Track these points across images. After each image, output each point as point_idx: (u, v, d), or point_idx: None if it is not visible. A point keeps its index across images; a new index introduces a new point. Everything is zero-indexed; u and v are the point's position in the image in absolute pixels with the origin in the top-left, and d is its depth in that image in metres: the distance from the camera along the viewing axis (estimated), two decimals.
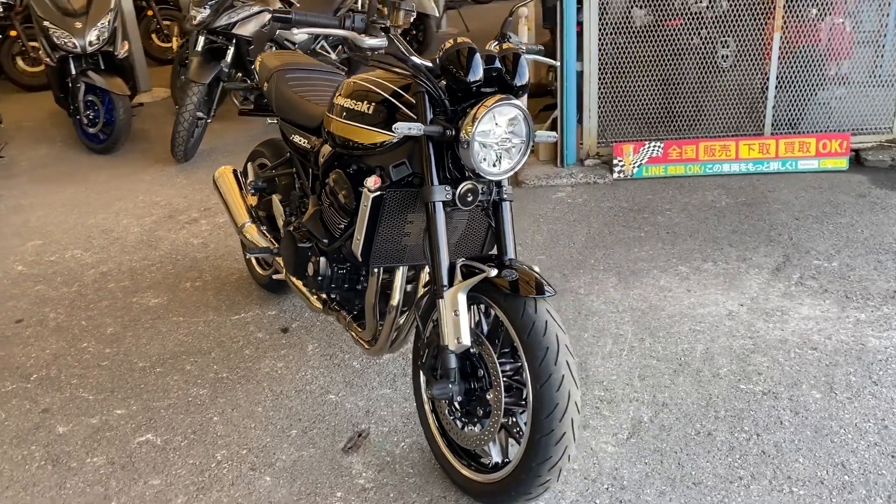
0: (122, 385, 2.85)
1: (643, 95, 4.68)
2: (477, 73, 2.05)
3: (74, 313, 3.44)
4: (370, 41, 2.06)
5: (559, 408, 1.90)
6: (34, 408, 2.75)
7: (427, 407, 2.34)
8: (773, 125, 4.67)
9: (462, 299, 2.00)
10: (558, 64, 2.58)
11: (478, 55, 2.06)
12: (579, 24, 4.53)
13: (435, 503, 2.19)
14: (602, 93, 4.67)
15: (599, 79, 4.63)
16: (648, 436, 2.41)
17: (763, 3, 4.48)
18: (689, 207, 4.19)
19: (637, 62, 4.63)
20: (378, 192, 2.19)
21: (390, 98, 2.23)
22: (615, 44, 4.59)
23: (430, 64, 2.11)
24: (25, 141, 6.36)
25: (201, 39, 5.50)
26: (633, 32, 4.58)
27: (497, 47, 2.19)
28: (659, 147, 4.58)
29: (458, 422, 2.19)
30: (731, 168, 4.59)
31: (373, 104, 2.30)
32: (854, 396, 2.54)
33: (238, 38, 5.48)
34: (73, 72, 5.74)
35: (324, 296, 2.78)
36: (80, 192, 5.11)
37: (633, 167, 4.61)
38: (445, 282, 2.08)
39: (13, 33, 8.26)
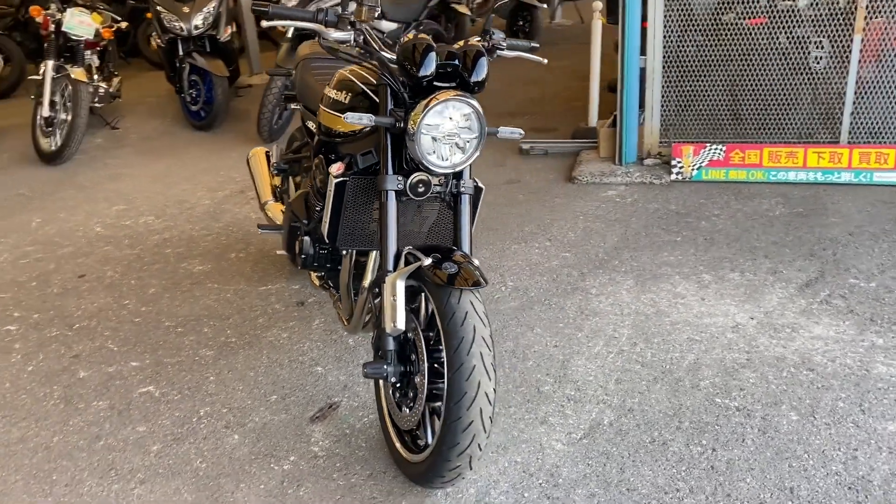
0: (144, 340, 3.14)
1: (709, 95, 4.51)
2: (428, 68, 2.11)
3: (128, 273, 3.79)
4: (336, 34, 2.18)
5: (468, 396, 1.95)
6: (67, 353, 3.09)
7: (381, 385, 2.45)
8: (850, 133, 4.37)
9: (400, 286, 2.09)
10: (545, 62, 2.56)
11: (433, 52, 2.13)
12: (646, 19, 4.43)
13: (375, 476, 2.30)
14: (666, 90, 4.55)
15: (663, 76, 4.51)
16: (602, 438, 2.40)
17: (849, 4, 4.20)
18: (738, 214, 4.02)
19: (705, 59, 4.46)
20: (341, 178, 2.31)
21: (366, 89, 2.34)
22: (682, 40, 4.45)
23: (394, 57, 2.21)
24: (141, 115, 6.96)
25: (291, 29, 5.81)
26: (704, 28, 4.42)
27: (462, 43, 2.25)
28: (721, 150, 4.41)
29: (395, 402, 2.29)
30: (797, 176, 4.34)
31: (350, 94, 2.42)
32: (834, 423, 2.40)
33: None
34: (180, 52, 6.23)
35: (321, 273, 2.95)
36: (173, 165, 5.56)
37: (693, 169, 4.46)
38: (390, 267, 2.18)
39: (149, 15, 9.02)
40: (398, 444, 2.31)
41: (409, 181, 2.17)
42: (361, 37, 2.22)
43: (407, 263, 2.15)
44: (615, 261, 3.60)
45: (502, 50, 2.42)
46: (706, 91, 4.51)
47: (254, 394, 2.74)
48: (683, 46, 4.46)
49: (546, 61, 2.54)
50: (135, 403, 2.73)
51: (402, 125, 2.13)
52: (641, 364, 2.78)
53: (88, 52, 6.09)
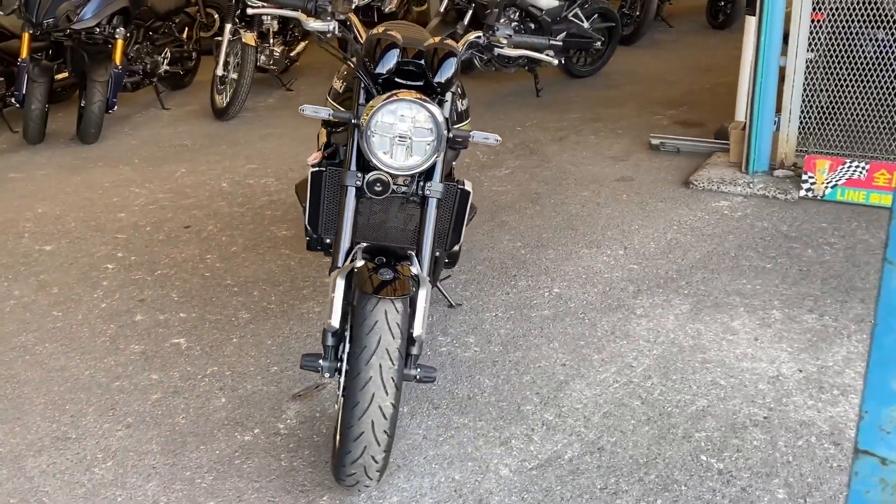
0: (202, 294, 3.41)
1: (858, 102, 3.88)
2: (385, 65, 2.06)
3: (225, 229, 4.11)
4: (313, 24, 2.18)
5: (360, 407, 1.91)
6: (137, 296, 3.44)
7: None
8: None
9: (339, 283, 2.08)
10: (555, 62, 2.36)
11: (395, 49, 2.06)
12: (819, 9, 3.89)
13: (316, 465, 2.34)
14: (807, 95, 3.98)
15: (806, 78, 3.95)
16: (553, 474, 2.24)
17: None
18: (857, 247, 3.46)
19: (860, 62, 3.84)
20: (316, 168, 2.32)
21: (352, 81, 2.33)
22: (834, 37, 3.85)
23: None
24: (319, 79, 7.39)
25: (445, 0, 5.84)
26: (867, 25, 3.80)
27: (435, 40, 2.14)
28: (863, 168, 3.79)
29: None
30: None
31: (345, 85, 2.41)
32: None
33: (476, 1, 5.71)
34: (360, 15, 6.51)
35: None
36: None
37: (826, 187, 3.89)
38: (339, 262, 2.17)
39: None
40: (336, 437, 2.33)
41: (366, 178, 2.14)
42: (341, 28, 2.20)
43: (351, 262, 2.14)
44: (682, 281, 3.27)
45: (501, 48, 2.28)
46: (856, 97, 3.89)
47: (260, 362, 2.88)
48: (835, 44, 3.87)
49: (556, 62, 2.35)
50: (162, 352, 2.99)
51: (356, 121, 2.10)
52: (642, 401, 2.53)
53: (268, 16, 6.57)
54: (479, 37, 2.27)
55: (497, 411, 2.52)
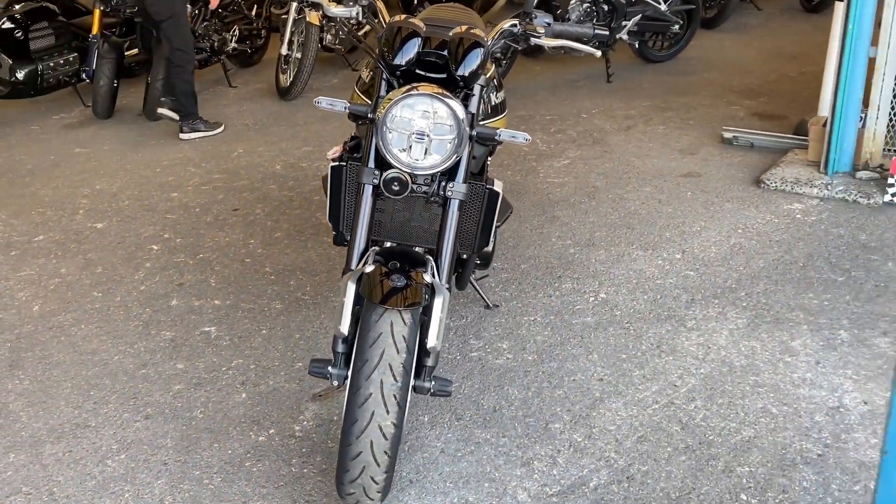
0: (239, 281, 3.36)
1: None
2: (404, 56, 1.90)
3: (272, 214, 4.06)
4: (335, 9, 2.03)
5: (358, 425, 1.79)
6: (176, 279, 3.41)
7: None
8: None
9: (350, 288, 1.96)
10: (598, 54, 2.14)
11: (415, 38, 1.90)
12: None
13: (326, 473, 2.24)
14: None
15: None
16: (571, 503, 2.06)
17: None
18: None
19: None
20: (336, 163, 2.19)
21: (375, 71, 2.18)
22: None
23: None
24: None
25: None
26: None
27: (462, 29, 1.97)
28: None
29: None
30: None
31: (370, 74, 2.27)
32: None
33: None
34: (415, 2, 6.38)
35: None
36: None
37: None
38: (353, 264, 2.05)
39: None
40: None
41: (383, 176, 2.00)
42: (366, 14, 2.06)
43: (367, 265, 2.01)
44: (742, 292, 3.02)
45: (538, 38, 2.10)
46: None
47: (285, 357, 2.80)
48: None
49: (599, 53, 2.14)
50: (191, 341, 2.94)
51: (371, 115, 1.96)
52: (682, 426, 2.32)
53: None
54: (514, 25, 2.09)
55: (523, 428, 2.36)
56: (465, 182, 2.04)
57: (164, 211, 4.13)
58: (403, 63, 1.94)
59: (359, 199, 2.05)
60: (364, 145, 2.06)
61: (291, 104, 6.08)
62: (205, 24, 6.37)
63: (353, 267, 2.04)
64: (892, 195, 3.60)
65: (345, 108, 1.98)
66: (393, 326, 1.82)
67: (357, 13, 2.05)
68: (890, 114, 3.68)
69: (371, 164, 2.03)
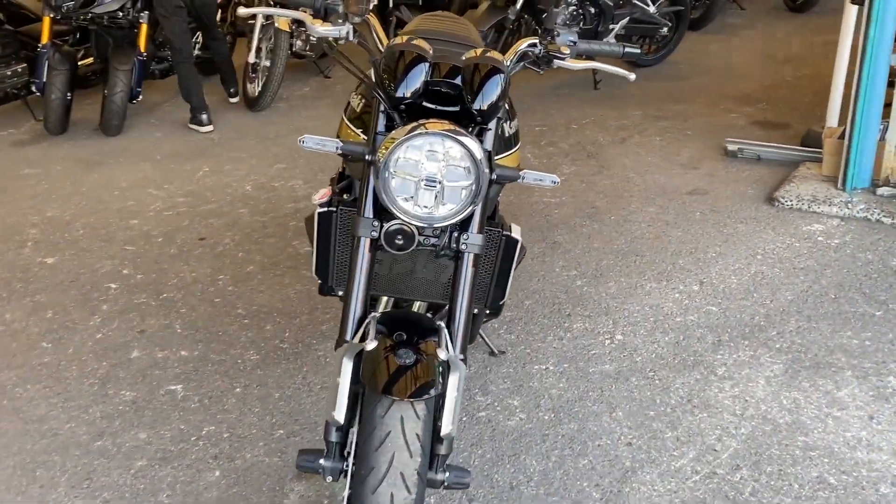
0: (208, 327, 2.98)
1: None
2: (410, 87, 1.56)
3: (243, 243, 3.68)
4: (321, 28, 1.69)
5: None
6: (138, 326, 3.03)
7: None
8: None
9: (346, 367, 1.61)
10: (632, 77, 1.83)
11: (421, 65, 1.57)
12: None
13: None
14: None
15: None
16: None
17: None
18: None
19: None
20: (325, 209, 1.85)
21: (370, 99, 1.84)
22: None
23: None
24: (359, 65, 6.91)
25: None
26: None
27: (477, 53, 1.64)
28: None
29: None
30: None
31: (362, 102, 1.93)
32: None
33: None
34: (390, 5, 6.03)
35: None
36: None
37: None
38: (348, 335, 1.70)
39: None
40: None
41: (384, 229, 1.67)
42: (357, 34, 1.71)
43: (362, 339, 1.66)
44: (772, 330, 2.73)
45: (562, 60, 1.77)
46: None
47: (264, 422, 2.44)
48: None
49: (633, 77, 1.83)
50: (155, 402, 2.57)
51: (370, 157, 1.62)
52: (731, 502, 2.02)
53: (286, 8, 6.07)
54: (533, 45, 1.77)
55: None
56: (480, 232, 1.72)
57: (123, 241, 3.73)
58: (408, 95, 1.61)
59: (353, 253, 1.71)
60: (359, 189, 1.72)
61: (261, 116, 5.69)
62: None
63: (348, 338, 1.70)
64: None
65: (336, 148, 1.64)
66: (404, 423, 1.48)
67: (347, 32, 1.71)
68: None
69: (368, 212, 1.69)
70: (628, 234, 3.49)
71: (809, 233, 3.40)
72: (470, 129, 1.64)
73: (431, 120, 1.56)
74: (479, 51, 1.66)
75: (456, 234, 1.70)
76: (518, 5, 5.26)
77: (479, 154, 1.55)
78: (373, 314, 1.68)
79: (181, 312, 3.11)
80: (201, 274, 3.42)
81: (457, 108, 1.64)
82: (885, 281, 2.98)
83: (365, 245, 1.70)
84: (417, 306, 2.13)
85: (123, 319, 3.08)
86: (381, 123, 1.69)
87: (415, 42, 1.63)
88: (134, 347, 2.88)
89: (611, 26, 5.73)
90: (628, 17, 5.72)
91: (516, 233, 1.88)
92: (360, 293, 1.70)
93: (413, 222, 1.61)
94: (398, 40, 1.65)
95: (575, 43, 1.80)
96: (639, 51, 1.90)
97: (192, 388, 2.62)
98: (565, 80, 5.90)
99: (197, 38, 6.16)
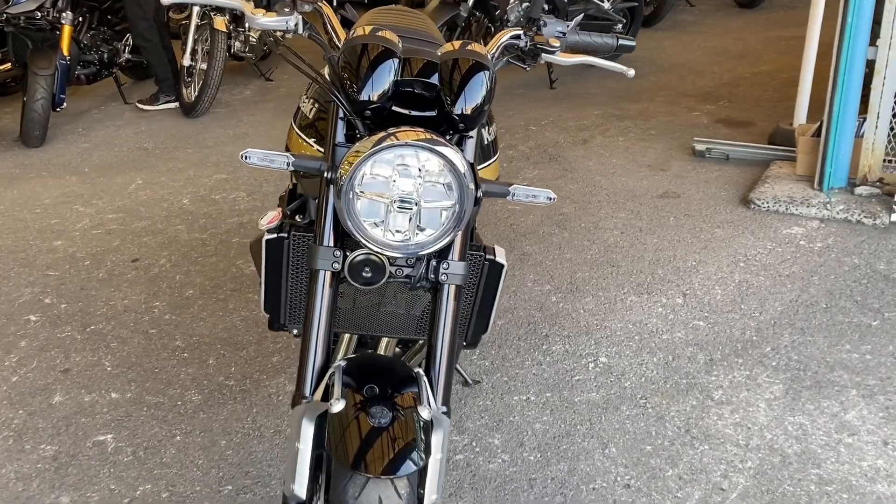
0: (142, 363, 2.64)
1: None
2: (376, 88, 1.29)
3: (180, 264, 3.34)
4: (263, 19, 1.40)
5: None
6: (61, 364, 2.67)
7: None
8: None
9: (307, 431, 1.32)
10: (631, 73, 1.60)
11: (389, 62, 1.29)
12: None
13: None
14: None
15: None
16: None
17: None
18: None
19: None
20: (274, 235, 1.56)
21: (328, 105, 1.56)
22: None
23: None
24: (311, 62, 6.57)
25: None
26: None
27: (455, 45, 1.37)
28: None
29: None
30: None
31: (314, 107, 1.64)
32: None
33: None
34: (334, 2, 5.72)
35: None
36: None
37: None
38: (307, 390, 1.41)
39: None
40: None
41: (349, 259, 1.39)
42: (307, 26, 1.43)
43: (326, 393, 1.38)
44: (767, 346, 2.53)
45: (551, 54, 1.52)
46: None
47: (209, 476, 2.12)
48: None
49: (633, 73, 1.59)
50: (81, 457, 2.22)
51: (330, 174, 1.33)
52: None
53: None
54: (516, 36, 1.51)
55: None
56: (462, 259, 1.45)
57: (46, 266, 3.35)
58: (375, 98, 1.33)
59: (311, 289, 1.42)
60: (316, 212, 1.44)
61: (198, 122, 5.31)
62: (91, 33, 5.52)
63: (307, 394, 1.40)
64: None
65: (287, 164, 1.35)
66: (382, 502, 1.21)
67: (296, 24, 1.42)
68: (891, 121, 3.29)
69: (328, 240, 1.41)
70: (601, 243, 3.26)
71: (790, 236, 3.22)
72: (448, 137, 1.37)
73: (403, 128, 1.29)
74: (457, 44, 1.39)
75: (434, 263, 1.43)
76: (470, 2, 5.02)
77: (462, 167, 1.29)
78: (337, 363, 1.39)
79: (111, 347, 2.76)
80: (134, 301, 3.06)
81: (432, 113, 1.37)
82: (876, 287, 2.81)
83: (325, 279, 1.41)
84: (385, 342, 1.85)
85: (44, 357, 2.72)
86: (341, 133, 1.41)
87: (380, 34, 1.36)
88: (56, 391, 2.53)
89: (566, 23, 5.54)
90: (583, 14, 5.53)
91: (501, 256, 1.62)
92: (321, 339, 1.41)
93: (384, 251, 1.34)
94: (359, 32, 1.37)
95: (564, 34, 1.55)
96: (633, 43, 1.67)
97: (125, 438, 2.29)
98: (520, 78, 5.68)
99: (127, 40, 5.77)
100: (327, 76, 1.46)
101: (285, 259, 1.58)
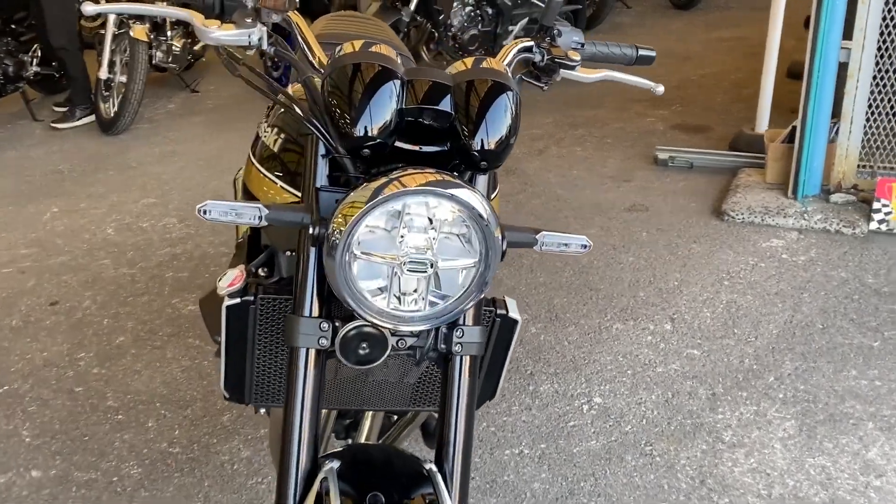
0: (68, 431, 2.27)
1: None
2: (375, 120, 1.00)
3: (108, 306, 2.96)
4: (217, 33, 1.11)
5: None
6: None
7: None
8: None
9: None
10: (660, 90, 1.38)
11: (391, 83, 1.01)
12: None
13: None
14: (877, 97, 3.12)
15: (875, 75, 3.08)
16: None
17: None
18: None
19: None
20: (237, 299, 1.26)
21: (301, 136, 1.26)
22: None
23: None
24: (228, 78, 6.12)
25: None
26: None
27: (467, 63, 1.10)
28: None
29: None
30: None
31: (280, 137, 1.34)
32: None
33: None
34: None
35: None
36: (231, 144, 4.70)
37: None
38: (290, 496, 1.12)
39: None
40: None
41: (341, 334, 1.10)
42: (272, 40, 1.13)
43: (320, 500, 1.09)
44: (769, 376, 2.34)
45: (571, 69, 1.27)
46: None
47: None
48: None
49: (662, 89, 1.35)
50: None
51: (316, 229, 1.04)
52: None
53: (163, 2, 5.32)
54: (527, 48, 1.25)
55: None
56: (478, 323, 1.18)
57: None
58: (374, 132, 1.03)
59: (291, 371, 1.13)
60: (293, 273, 1.14)
61: (119, 140, 4.87)
62: None
63: (290, 497, 1.12)
64: (880, 221, 3.08)
65: (258, 218, 1.05)
66: None
67: (260, 38, 1.12)
68: (864, 125, 3.17)
69: (309, 308, 1.12)
70: (574, 264, 3.04)
71: (771, 250, 3.06)
72: (462, 175, 1.10)
73: (409, 169, 1.01)
74: (469, 61, 1.12)
75: (444, 330, 1.16)
76: (412, 6, 4.75)
77: (487, 214, 1.02)
78: (329, 465, 1.10)
79: (30, 412, 2.37)
80: (55, 353, 2.67)
81: (442, 147, 1.09)
82: (869, 303, 2.67)
83: (308, 359, 1.12)
84: (371, 414, 1.56)
85: None
86: (322, 174, 1.12)
87: (374, 49, 1.07)
88: None
89: (510, 27, 5.33)
90: (527, 18, 5.35)
91: (513, 310, 1.35)
92: (305, 433, 1.11)
93: (386, 323, 1.06)
94: (347, 49, 1.07)
95: (583, 45, 1.30)
96: (654, 53, 1.44)
97: None
98: None
99: (35, 51, 5.27)
100: (306, 105, 1.16)
101: (251, 328, 1.27)
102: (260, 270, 1.34)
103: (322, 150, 1.11)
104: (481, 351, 1.18)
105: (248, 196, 1.41)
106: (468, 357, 1.17)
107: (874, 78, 3.09)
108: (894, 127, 3.14)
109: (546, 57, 1.24)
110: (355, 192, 0.99)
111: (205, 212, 1.01)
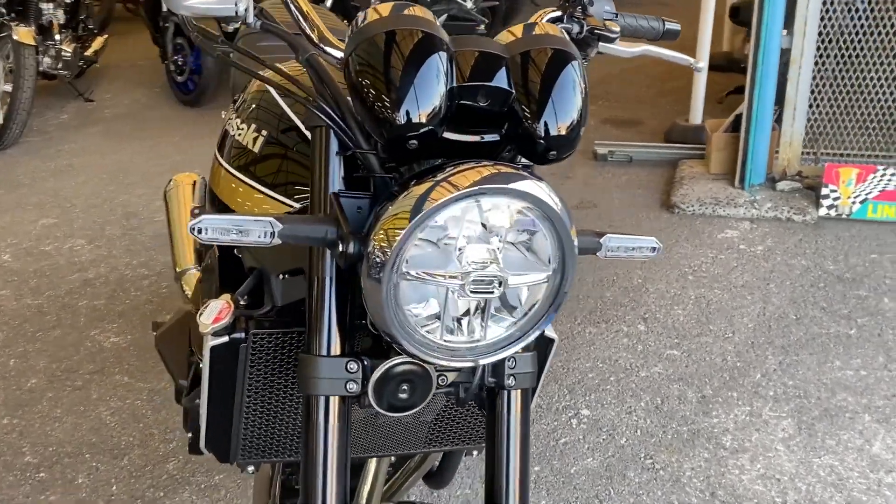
0: None
1: (888, 93, 3.07)
2: (423, 104, 0.79)
3: (14, 343, 2.58)
4: (194, 3, 0.86)
5: None
6: None
7: None
8: None
9: None
10: (702, 66, 1.24)
11: (438, 53, 0.81)
12: None
13: None
14: (819, 83, 3.12)
15: (817, 61, 3.08)
16: None
17: None
18: None
19: (888, 40, 3.02)
20: (226, 337, 1.01)
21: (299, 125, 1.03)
22: (854, 8, 3.00)
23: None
24: (125, 84, 5.71)
25: None
26: None
27: (511, 35, 0.91)
28: None
29: None
30: None
31: (263, 134, 1.11)
32: None
33: None
34: (164, 8, 4.98)
35: None
36: (138, 155, 4.32)
37: (853, 203, 3.05)
38: None
39: None
40: None
41: (375, 374, 0.88)
42: (259, 13, 0.90)
43: None
44: (756, 373, 2.25)
45: (611, 42, 1.10)
46: (883, 86, 3.07)
47: None
48: (853, 17, 3.01)
49: (703, 65, 1.21)
50: None
51: (348, 247, 0.82)
52: None
53: (49, 3, 4.85)
54: (556, 19, 1.06)
55: None
56: (530, 349, 0.98)
57: None
58: (423, 119, 0.78)
59: (311, 421, 0.89)
60: (310, 301, 0.90)
61: (6, 155, 4.38)
62: None
63: None
64: (829, 207, 3.08)
65: (269, 234, 0.80)
66: None
67: (246, 9, 0.87)
68: (807, 112, 3.16)
69: (327, 345, 0.87)
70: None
71: (727, 241, 3.00)
72: (517, 165, 0.90)
73: (462, 164, 0.79)
74: (518, 28, 0.90)
75: (490, 369, 0.95)
76: (328, 3, 4.50)
77: (564, 213, 0.82)
78: None
79: None
80: None
81: (495, 137, 0.87)
82: (835, 291, 2.63)
83: (331, 408, 0.89)
84: (377, 461, 1.33)
85: None
86: (337, 175, 0.89)
87: (409, 12, 0.84)
88: None
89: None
90: (446, 15, 5.18)
91: (549, 328, 1.17)
92: (334, 502, 0.89)
93: (437, 358, 0.84)
94: (372, 16, 0.83)
95: (617, 15, 1.12)
96: (679, 27, 1.28)
97: None
98: None
99: None
100: (310, 87, 0.92)
101: (241, 372, 1.02)
102: (241, 300, 1.09)
103: (335, 147, 0.89)
104: (534, 382, 0.98)
105: (219, 207, 1.16)
106: (519, 391, 0.97)
107: (815, 64, 3.09)
108: (836, 113, 3.15)
109: (581, 28, 1.06)
110: (400, 199, 0.77)
111: (200, 230, 0.77)
